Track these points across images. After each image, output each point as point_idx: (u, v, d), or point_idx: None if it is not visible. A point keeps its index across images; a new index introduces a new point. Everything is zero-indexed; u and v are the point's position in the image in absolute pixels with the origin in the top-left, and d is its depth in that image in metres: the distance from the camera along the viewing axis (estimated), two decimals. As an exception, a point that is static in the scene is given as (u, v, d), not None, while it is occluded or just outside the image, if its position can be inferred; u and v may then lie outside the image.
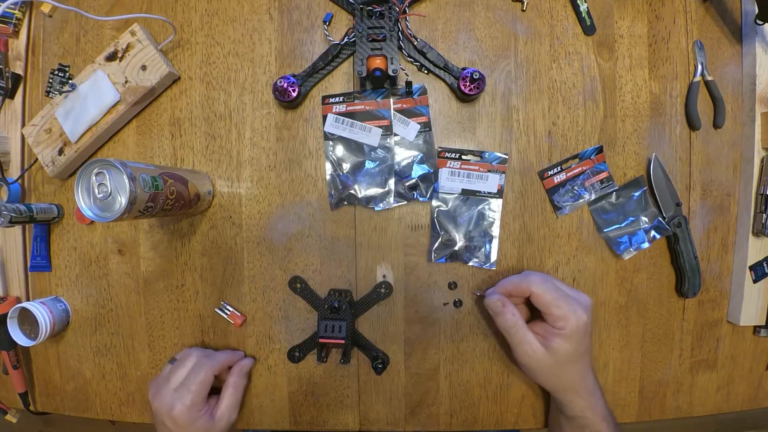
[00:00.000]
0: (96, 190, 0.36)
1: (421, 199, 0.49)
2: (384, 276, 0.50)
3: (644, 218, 0.49)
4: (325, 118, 0.49)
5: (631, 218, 0.49)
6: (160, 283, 0.51)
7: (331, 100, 0.49)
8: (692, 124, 0.49)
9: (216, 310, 0.50)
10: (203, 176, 0.49)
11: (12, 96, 0.52)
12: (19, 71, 0.52)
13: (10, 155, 0.52)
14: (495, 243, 0.49)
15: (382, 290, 0.49)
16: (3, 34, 0.51)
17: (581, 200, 0.49)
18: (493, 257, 0.49)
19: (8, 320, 0.49)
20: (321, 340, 0.47)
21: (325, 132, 0.49)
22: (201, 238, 0.51)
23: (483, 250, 0.49)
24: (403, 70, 0.49)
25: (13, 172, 0.52)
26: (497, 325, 0.44)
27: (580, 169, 0.49)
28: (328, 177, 0.49)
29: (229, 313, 0.50)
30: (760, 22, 0.47)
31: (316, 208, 0.50)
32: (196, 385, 0.44)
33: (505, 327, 0.43)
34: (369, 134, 0.49)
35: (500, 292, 0.44)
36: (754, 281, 0.49)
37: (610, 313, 0.50)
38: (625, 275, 0.50)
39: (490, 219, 0.49)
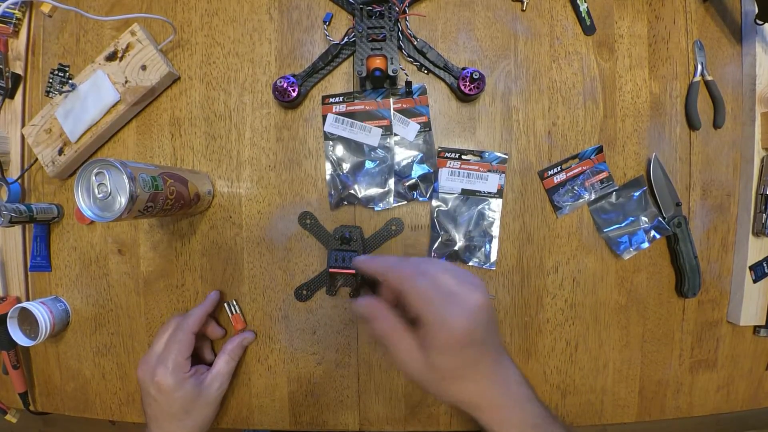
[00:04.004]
0: (96, 190, 0.36)
1: (421, 199, 0.49)
2: (384, 276, 0.50)
3: (644, 218, 0.49)
4: (325, 118, 0.49)
5: (631, 218, 0.49)
6: (160, 283, 0.51)
7: (331, 100, 0.49)
8: (692, 124, 0.49)
9: (225, 303, 0.50)
10: (203, 176, 0.49)
11: (12, 96, 0.52)
12: (19, 71, 0.52)
13: (10, 155, 0.52)
14: (495, 243, 0.49)
15: (393, 228, 0.49)
16: (3, 34, 0.51)
17: (581, 200, 0.49)
18: (493, 257, 0.49)
19: (8, 320, 0.49)
20: (331, 270, 0.47)
21: (325, 132, 0.49)
22: (201, 238, 0.51)
23: (483, 250, 0.49)
24: (403, 70, 0.49)
25: (13, 172, 0.52)
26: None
27: (580, 169, 0.49)
28: (328, 177, 0.49)
29: (234, 313, 0.50)
30: (760, 22, 0.47)
31: (316, 208, 0.50)
32: (176, 345, 0.44)
33: (375, 336, 0.36)
34: (369, 134, 0.49)
35: (372, 273, 0.37)
36: (754, 281, 0.49)
37: (610, 313, 0.50)
38: (625, 275, 0.50)
39: (490, 219, 0.49)
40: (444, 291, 0.33)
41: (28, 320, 0.49)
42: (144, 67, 0.48)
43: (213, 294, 0.49)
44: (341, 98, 0.49)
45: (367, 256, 0.38)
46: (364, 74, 0.46)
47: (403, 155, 0.49)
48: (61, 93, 0.49)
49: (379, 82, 0.47)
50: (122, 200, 0.36)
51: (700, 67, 0.49)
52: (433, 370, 0.34)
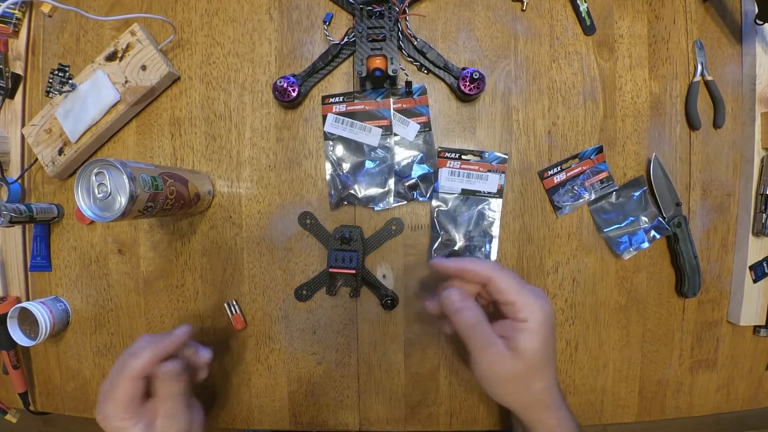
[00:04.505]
0: (96, 190, 0.36)
1: (421, 199, 0.49)
2: (384, 276, 0.50)
3: (644, 218, 0.49)
4: (325, 118, 0.49)
5: (631, 218, 0.49)
6: (160, 283, 0.51)
7: (331, 100, 0.49)
8: (692, 124, 0.49)
9: (225, 303, 0.50)
10: (203, 176, 0.49)
11: (12, 96, 0.52)
12: (19, 71, 0.52)
13: (10, 155, 0.52)
14: (495, 243, 0.49)
15: (393, 228, 0.49)
16: (3, 34, 0.51)
17: (581, 200, 0.49)
18: (493, 257, 0.49)
19: (8, 320, 0.49)
20: (331, 270, 0.47)
21: (325, 132, 0.49)
22: (201, 238, 0.51)
23: (483, 250, 0.49)
24: (403, 70, 0.49)
25: (13, 172, 0.52)
26: (455, 326, 0.37)
27: (580, 169, 0.49)
28: (328, 177, 0.49)
29: (234, 313, 0.50)
30: (760, 22, 0.47)
31: (316, 208, 0.50)
32: (113, 390, 0.37)
33: (466, 327, 0.36)
34: (369, 134, 0.49)
35: (453, 272, 0.38)
36: (754, 281, 0.49)
37: (610, 313, 0.50)
38: (625, 275, 0.50)
39: (490, 219, 0.49)
40: (522, 281, 0.37)
41: (28, 320, 0.49)
42: (144, 67, 0.48)
43: (180, 329, 0.40)
44: (341, 98, 0.49)
45: (444, 259, 0.40)
46: (364, 74, 0.46)
47: (403, 155, 0.49)
48: (61, 93, 0.49)
49: (379, 82, 0.47)
50: (122, 200, 0.36)
51: (700, 67, 0.49)
52: (521, 357, 0.34)
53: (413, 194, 0.49)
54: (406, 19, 0.48)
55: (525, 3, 0.49)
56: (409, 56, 0.49)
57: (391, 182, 0.49)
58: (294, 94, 0.47)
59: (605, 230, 0.49)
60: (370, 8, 0.46)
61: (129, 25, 0.48)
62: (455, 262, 0.38)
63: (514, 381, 0.35)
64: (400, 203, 0.49)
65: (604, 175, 0.49)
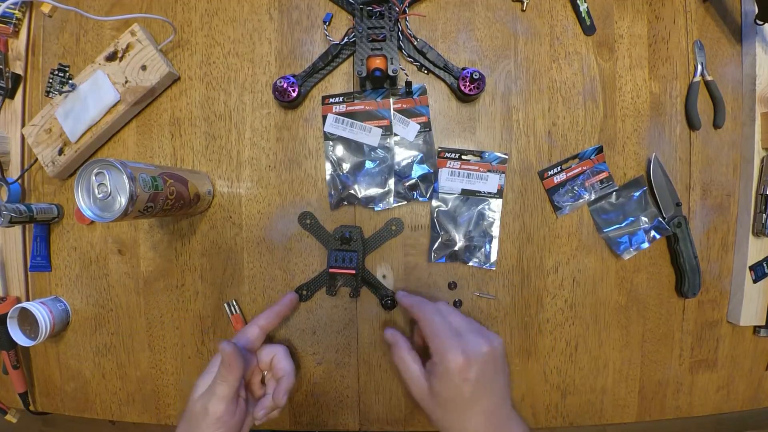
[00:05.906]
0: (96, 190, 0.36)
1: (420, 199, 0.49)
2: (384, 276, 0.50)
3: (644, 218, 0.49)
4: (325, 118, 0.49)
5: (631, 218, 0.49)
6: (160, 283, 0.51)
7: (331, 100, 0.49)
8: (692, 124, 0.49)
9: (224, 303, 0.50)
10: (203, 176, 0.49)
11: (12, 96, 0.52)
12: (19, 71, 0.52)
13: (10, 155, 0.52)
14: (495, 243, 0.49)
15: (393, 228, 0.49)
16: (3, 34, 0.51)
17: (581, 200, 0.49)
18: (493, 257, 0.49)
19: (8, 320, 0.49)
20: (331, 270, 0.47)
21: (325, 132, 0.49)
22: (201, 238, 0.51)
23: (483, 250, 0.49)
24: (403, 70, 0.49)
25: (13, 172, 0.52)
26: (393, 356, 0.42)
27: (580, 169, 0.49)
28: (328, 177, 0.49)
29: (234, 313, 0.50)
30: (760, 22, 0.47)
31: (316, 208, 0.50)
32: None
33: (394, 361, 0.41)
34: (369, 134, 0.49)
35: (406, 307, 0.43)
36: (754, 281, 0.49)
37: (610, 313, 0.50)
38: (625, 275, 0.50)
39: (490, 219, 0.49)
40: (453, 330, 0.38)
41: (28, 320, 0.49)
42: (144, 67, 0.48)
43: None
44: (341, 98, 0.49)
45: (406, 293, 0.45)
46: (364, 74, 0.46)
47: (403, 155, 0.49)
48: (61, 93, 0.49)
49: (379, 82, 0.47)
50: (122, 200, 0.36)
51: (700, 67, 0.49)
52: (433, 396, 0.37)
53: (413, 194, 0.49)
54: (406, 19, 0.48)
55: (525, 3, 0.49)
56: (409, 56, 0.49)
57: (391, 182, 0.49)
58: (294, 95, 0.47)
59: (605, 230, 0.49)
60: (370, 8, 0.46)
61: (129, 25, 0.48)
62: (408, 300, 0.43)
63: (431, 408, 0.38)
64: (400, 203, 0.49)
65: (604, 175, 0.49)
